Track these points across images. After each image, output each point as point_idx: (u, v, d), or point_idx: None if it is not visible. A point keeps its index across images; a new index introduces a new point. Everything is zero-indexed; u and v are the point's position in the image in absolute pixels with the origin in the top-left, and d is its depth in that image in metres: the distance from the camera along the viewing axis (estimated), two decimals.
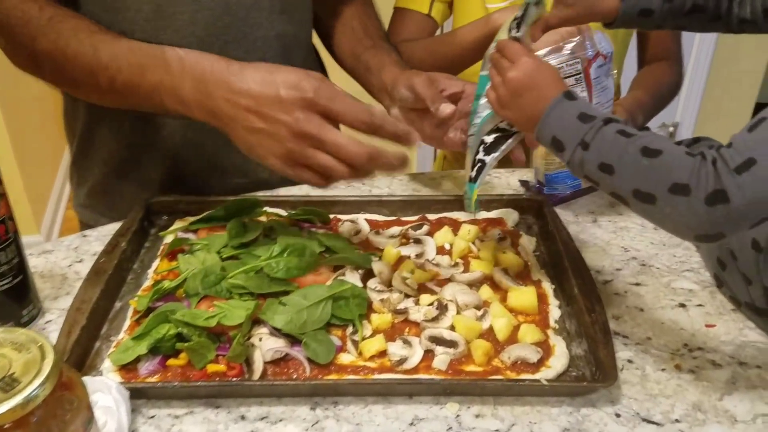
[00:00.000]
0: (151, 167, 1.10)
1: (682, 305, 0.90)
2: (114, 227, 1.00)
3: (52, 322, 0.86)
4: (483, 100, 0.84)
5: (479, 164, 0.83)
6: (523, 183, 1.16)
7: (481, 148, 0.83)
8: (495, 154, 0.82)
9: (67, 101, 1.12)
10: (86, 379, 0.71)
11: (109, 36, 0.85)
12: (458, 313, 0.84)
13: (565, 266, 0.90)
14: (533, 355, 0.77)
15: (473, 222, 1.01)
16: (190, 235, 0.97)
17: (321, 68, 1.24)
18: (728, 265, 0.87)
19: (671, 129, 2.58)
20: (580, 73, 0.99)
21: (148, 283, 0.90)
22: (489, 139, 0.83)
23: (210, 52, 1.00)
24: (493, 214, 1.05)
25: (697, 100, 2.55)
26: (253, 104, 0.75)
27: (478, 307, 0.85)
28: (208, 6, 0.98)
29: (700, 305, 0.90)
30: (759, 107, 2.59)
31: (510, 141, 0.82)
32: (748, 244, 0.81)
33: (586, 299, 0.84)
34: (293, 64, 1.11)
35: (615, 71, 1.18)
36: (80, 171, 1.16)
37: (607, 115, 0.72)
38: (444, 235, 0.98)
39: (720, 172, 0.63)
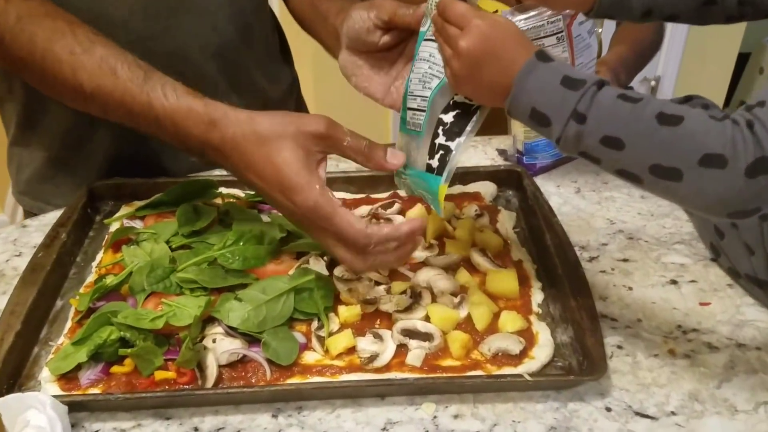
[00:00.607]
0: (100, 147, 1.01)
1: (674, 282, 0.84)
2: (57, 216, 0.91)
3: None
4: (426, 65, 0.71)
5: (441, 151, 0.69)
6: (501, 152, 1.09)
7: (440, 130, 0.70)
8: (461, 139, 0.69)
9: None
10: (16, 396, 0.64)
11: (87, 56, 0.75)
12: (433, 301, 0.77)
13: (547, 244, 0.83)
14: (515, 346, 0.71)
15: (448, 198, 0.93)
16: (137, 223, 0.88)
17: (280, 35, 1.14)
18: (727, 234, 0.81)
19: (653, 83, 2.51)
20: (561, 32, 0.90)
21: (91, 278, 0.82)
22: (448, 118, 0.69)
23: (157, 22, 0.91)
24: (469, 188, 0.97)
25: (678, 52, 2.48)
26: (264, 187, 0.71)
27: (454, 294, 0.78)
28: None
29: (693, 281, 0.84)
30: (741, 58, 2.53)
31: (475, 119, 0.69)
32: None
33: (571, 281, 0.77)
34: (250, 31, 1.03)
35: (599, 29, 1.10)
36: (20, 155, 1.06)
37: (596, 77, 0.62)
38: (417, 213, 0.90)
39: (760, 137, 0.55)
